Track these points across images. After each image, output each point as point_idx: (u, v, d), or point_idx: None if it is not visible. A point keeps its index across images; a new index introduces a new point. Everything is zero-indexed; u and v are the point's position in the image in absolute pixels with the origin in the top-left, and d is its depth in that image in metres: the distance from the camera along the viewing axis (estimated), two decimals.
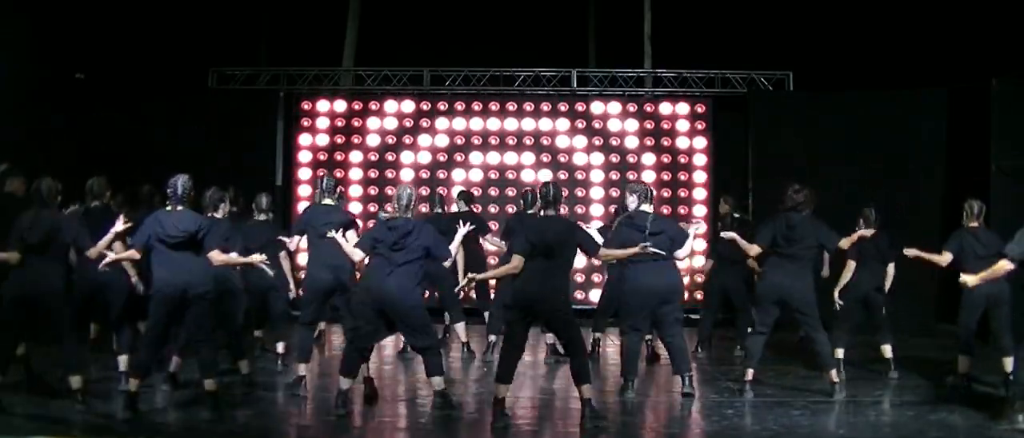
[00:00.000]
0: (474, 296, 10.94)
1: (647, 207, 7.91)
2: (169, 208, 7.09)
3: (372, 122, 13.83)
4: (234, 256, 7.26)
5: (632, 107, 13.86)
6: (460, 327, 10.20)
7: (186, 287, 6.94)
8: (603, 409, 7.19)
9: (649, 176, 13.66)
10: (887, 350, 9.08)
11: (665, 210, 13.40)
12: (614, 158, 13.78)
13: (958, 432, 6.87)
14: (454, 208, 11.58)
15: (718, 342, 10.99)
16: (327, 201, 8.09)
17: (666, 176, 13.73)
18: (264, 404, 7.66)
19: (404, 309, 7.06)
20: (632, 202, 8.04)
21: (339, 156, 13.79)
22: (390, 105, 13.86)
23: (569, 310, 7.09)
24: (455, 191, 12.84)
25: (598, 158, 13.79)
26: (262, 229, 8.94)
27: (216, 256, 7.00)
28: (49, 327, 7.26)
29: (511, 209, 13.63)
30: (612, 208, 13.49)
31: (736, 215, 10.99)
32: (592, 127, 13.82)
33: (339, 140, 13.83)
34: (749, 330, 9.84)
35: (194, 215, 7.09)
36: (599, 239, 7.84)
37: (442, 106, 13.85)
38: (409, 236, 7.05)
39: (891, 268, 9.12)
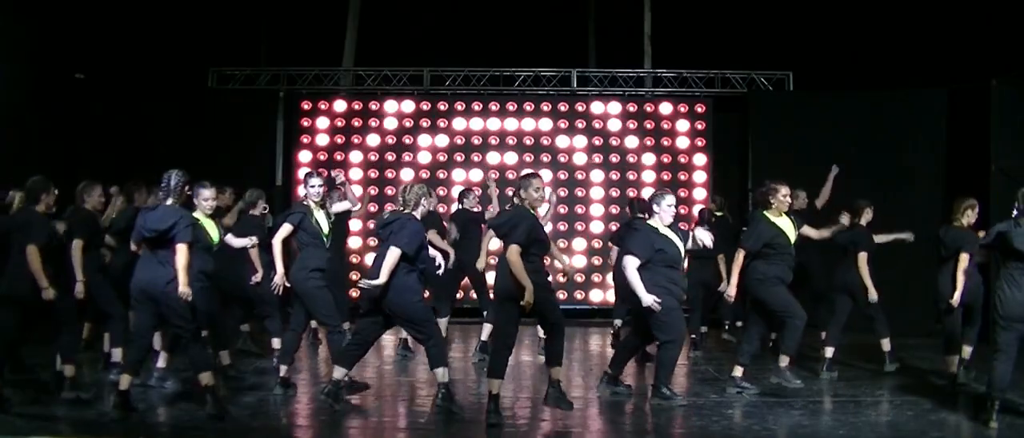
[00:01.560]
0: (474, 295, 10.93)
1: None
2: (160, 202, 7.15)
3: (372, 122, 13.85)
4: (182, 263, 6.89)
5: (632, 107, 13.88)
6: (442, 322, 10.20)
7: (146, 286, 6.89)
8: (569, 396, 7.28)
9: (648, 176, 13.72)
10: (885, 344, 9.17)
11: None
12: (614, 158, 13.80)
13: (958, 432, 6.87)
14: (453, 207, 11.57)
15: (715, 343, 11.02)
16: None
17: (666, 176, 13.74)
18: (261, 404, 7.64)
19: (398, 305, 7.05)
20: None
21: (339, 156, 13.80)
22: (390, 105, 13.87)
23: (552, 295, 7.16)
24: (456, 190, 12.85)
25: (598, 158, 13.81)
26: (256, 224, 9.03)
27: (182, 251, 6.84)
28: (49, 320, 7.36)
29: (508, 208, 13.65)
30: (614, 209, 13.54)
31: (718, 214, 11.24)
32: (592, 127, 13.83)
33: (339, 140, 13.84)
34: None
35: (174, 211, 6.98)
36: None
37: (442, 106, 13.85)
38: (387, 228, 7.11)
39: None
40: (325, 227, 7.95)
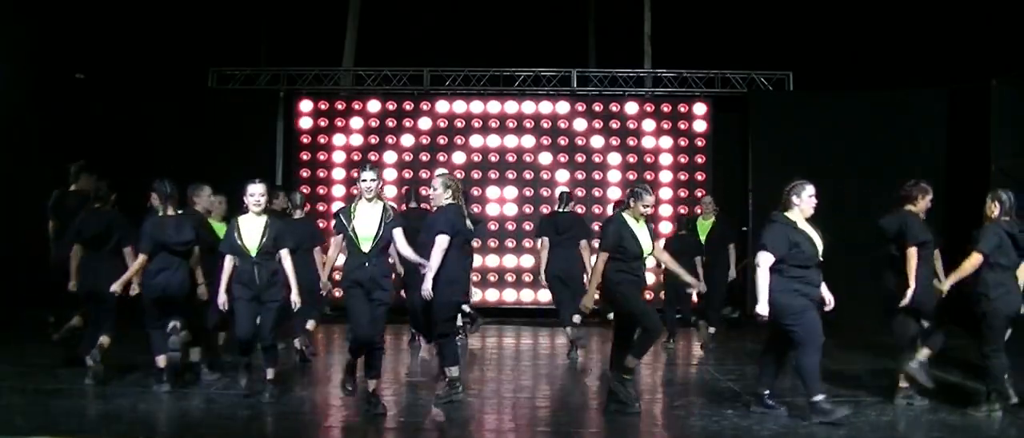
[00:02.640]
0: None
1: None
2: (167, 212, 7.58)
3: (373, 122, 13.83)
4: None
5: (632, 106, 13.86)
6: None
7: (171, 289, 7.62)
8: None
9: (648, 176, 13.72)
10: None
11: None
12: (615, 157, 13.80)
13: (959, 432, 6.86)
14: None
15: (721, 342, 11.04)
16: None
17: (666, 176, 13.72)
18: (271, 404, 7.62)
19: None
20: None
21: (339, 156, 13.79)
22: (390, 105, 13.86)
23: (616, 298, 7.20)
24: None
25: (598, 158, 13.81)
26: (298, 226, 9.04)
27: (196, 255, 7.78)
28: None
29: (511, 209, 13.66)
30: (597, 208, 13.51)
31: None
32: (593, 127, 13.82)
33: (339, 140, 13.82)
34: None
35: (189, 220, 7.78)
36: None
37: (443, 106, 13.84)
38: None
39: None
40: (366, 228, 6.94)
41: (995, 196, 7.35)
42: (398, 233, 7.00)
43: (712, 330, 11.04)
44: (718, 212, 11.46)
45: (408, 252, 7.04)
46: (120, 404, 7.32)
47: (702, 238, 10.97)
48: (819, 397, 6.93)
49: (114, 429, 6.68)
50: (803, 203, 7.11)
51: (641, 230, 7.21)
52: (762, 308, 6.84)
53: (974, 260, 7.15)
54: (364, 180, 6.99)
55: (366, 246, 6.89)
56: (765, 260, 6.89)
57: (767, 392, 7.26)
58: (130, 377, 8.26)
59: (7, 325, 10.94)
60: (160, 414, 7.21)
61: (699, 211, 11.77)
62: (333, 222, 7.24)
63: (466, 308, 9.57)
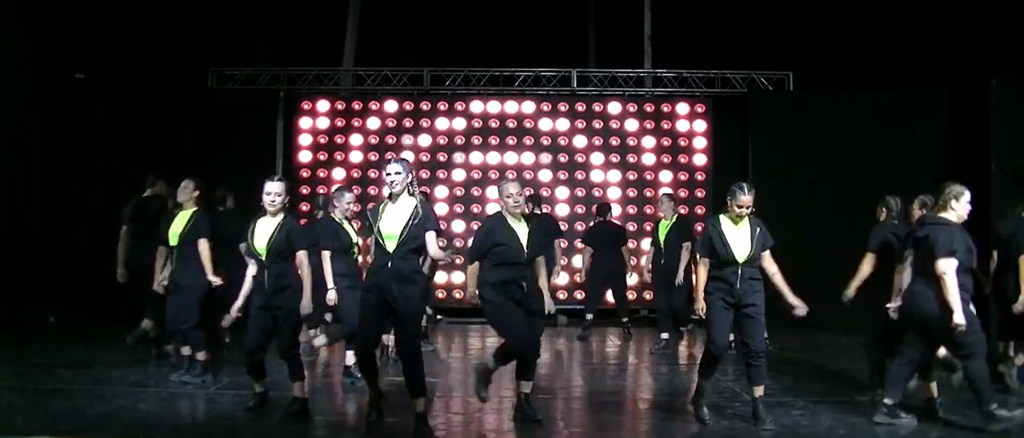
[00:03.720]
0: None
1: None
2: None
3: (372, 122, 13.83)
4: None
5: (632, 106, 13.86)
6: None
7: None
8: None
9: (647, 176, 13.72)
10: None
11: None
12: (615, 157, 13.80)
13: (960, 432, 6.86)
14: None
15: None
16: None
17: (666, 176, 13.74)
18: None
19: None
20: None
21: (339, 156, 13.80)
22: (390, 105, 13.86)
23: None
24: (447, 190, 12.88)
25: (599, 158, 13.81)
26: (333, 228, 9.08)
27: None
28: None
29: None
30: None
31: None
32: (592, 127, 13.83)
33: (339, 140, 13.83)
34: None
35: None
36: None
37: (442, 106, 13.85)
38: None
39: None
40: (391, 226, 6.35)
41: (883, 202, 7.71)
42: (430, 236, 6.35)
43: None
44: (679, 213, 11.28)
45: (438, 256, 6.61)
46: (120, 404, 7.33)
47: (661, 239, 10.64)
48: (994, 406, 6.66)
49: (114, 429, 6.67)
50: (961, 208, 6.73)
51: (737, 232, 6.73)
52: (960, 318, 6.40)
53: (870, 260, 7.56)
54: (388, 172, 6.38)
55: (390, 245, 6.29)
56: (953, 265, 6.47)
57: (893, 402, 6.94)
58: (130, 377, 8.28)
59: (7, 325, 10.95)
60: (160, 414, 7.21)
61: (650, 211, 11.69)
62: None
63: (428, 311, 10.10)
